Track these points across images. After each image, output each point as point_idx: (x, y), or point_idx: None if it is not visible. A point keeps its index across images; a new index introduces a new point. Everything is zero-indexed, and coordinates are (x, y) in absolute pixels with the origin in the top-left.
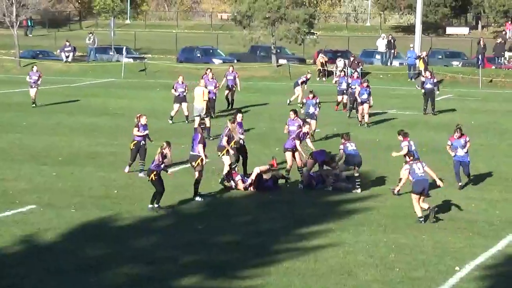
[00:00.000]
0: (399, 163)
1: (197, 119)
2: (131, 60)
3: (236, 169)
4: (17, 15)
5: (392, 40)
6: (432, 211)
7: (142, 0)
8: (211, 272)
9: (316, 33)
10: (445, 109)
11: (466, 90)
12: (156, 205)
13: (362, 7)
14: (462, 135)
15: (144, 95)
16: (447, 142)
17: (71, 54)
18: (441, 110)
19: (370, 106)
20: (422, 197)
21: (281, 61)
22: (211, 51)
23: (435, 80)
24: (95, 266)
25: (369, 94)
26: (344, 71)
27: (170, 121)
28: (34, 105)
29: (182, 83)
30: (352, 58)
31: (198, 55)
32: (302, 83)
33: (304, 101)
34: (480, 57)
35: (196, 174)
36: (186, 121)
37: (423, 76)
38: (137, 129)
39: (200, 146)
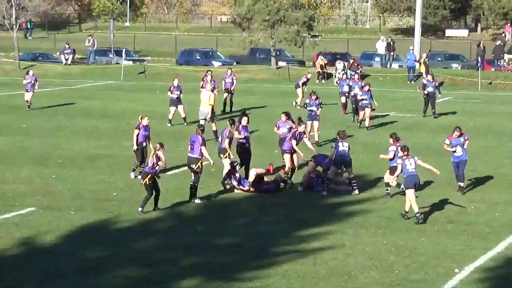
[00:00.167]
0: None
1: (203, 122)
2: (130, 62)
3: (237, 167)
4: (16, 18)
5: (391, 43)
6: (419, 217)
7: (141, 3)
8: (211, 274)
9: (320, 35)
10: (445, 111)
11: (465, 93)
12: (139, 209)
13: (362, 10)
14: (461, 134)
15: (144, 98)
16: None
17: (70, 56)
18: (440, 113)
19: (373, 109)
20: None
21: (281, 64)
22: (210, 53)
23: (436, 84)
24: (95, 268)
25: (371, 98)
26: (347, 74)
27: (169, 124)
28: (28, 108)
29: (178, 85)
30: (351, 61)
31: (198, 57)
32: (303, 84)
33: (307, 101)
34: (480, 59)
35: (195, 177)
36: (185, 123)
37: (424, 79)
38: (137, 130)
39: (204, 149)
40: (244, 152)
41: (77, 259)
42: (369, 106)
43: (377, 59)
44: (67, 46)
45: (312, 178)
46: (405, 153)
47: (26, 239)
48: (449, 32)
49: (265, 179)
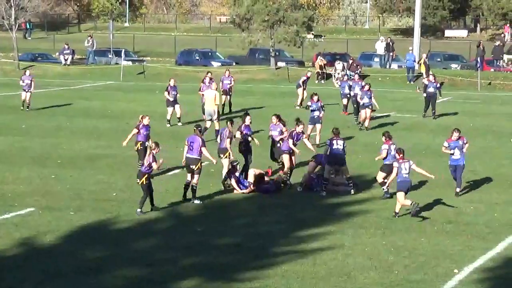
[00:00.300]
0: None
1: (209, 123)
2: (130, 63)
3: (237, 166)
4: (16, 18)
5: (390, 43)
6: (414, 205)
7: (141, 3)
8: (210, 274)
9: (324, 35)
10: (444, 112)
11: (464, 93)
12: (138, 210)
13: (361, 10)
14: (460, 137)
15: (143, 98)
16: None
17: (70, 57)
18: (440, 114)
19: (373, 110)
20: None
21: (280, 64)
22: (210, 54)
23: (438, 84)
24: (95, 268)
25: (371, 98)
26: (347, 75)
27: (168, 125)
28: (22, 108)
29: (174, 86)
30: (351, 61)
31: (197, 58)
32: (303, 82)
33: (309, 103)
34: (479, 59)
35: (194, 177)
36: (179, 123)
37: (425, 79)
38: (136, 129)
39: (204, 149)
40: (246, 151)
41: (77, 259)
42: (370, 106)
43: (377, 59)
44: (66, 46)
45: (312, 179)
46: (401, 155)
47: (26, 239)
48: (448, 33)
49: (266, 178)
